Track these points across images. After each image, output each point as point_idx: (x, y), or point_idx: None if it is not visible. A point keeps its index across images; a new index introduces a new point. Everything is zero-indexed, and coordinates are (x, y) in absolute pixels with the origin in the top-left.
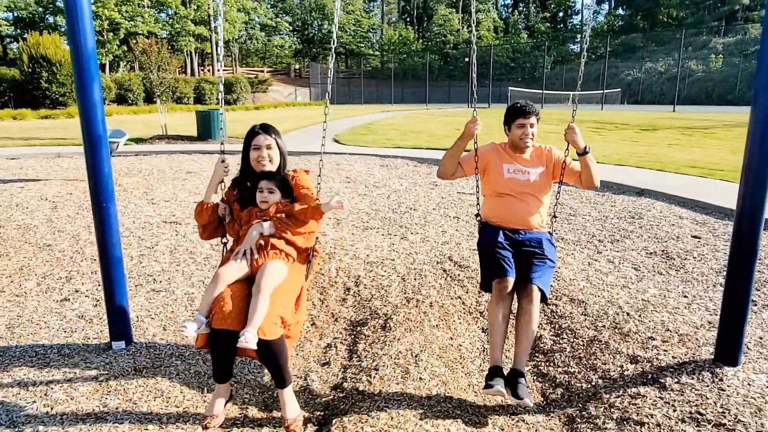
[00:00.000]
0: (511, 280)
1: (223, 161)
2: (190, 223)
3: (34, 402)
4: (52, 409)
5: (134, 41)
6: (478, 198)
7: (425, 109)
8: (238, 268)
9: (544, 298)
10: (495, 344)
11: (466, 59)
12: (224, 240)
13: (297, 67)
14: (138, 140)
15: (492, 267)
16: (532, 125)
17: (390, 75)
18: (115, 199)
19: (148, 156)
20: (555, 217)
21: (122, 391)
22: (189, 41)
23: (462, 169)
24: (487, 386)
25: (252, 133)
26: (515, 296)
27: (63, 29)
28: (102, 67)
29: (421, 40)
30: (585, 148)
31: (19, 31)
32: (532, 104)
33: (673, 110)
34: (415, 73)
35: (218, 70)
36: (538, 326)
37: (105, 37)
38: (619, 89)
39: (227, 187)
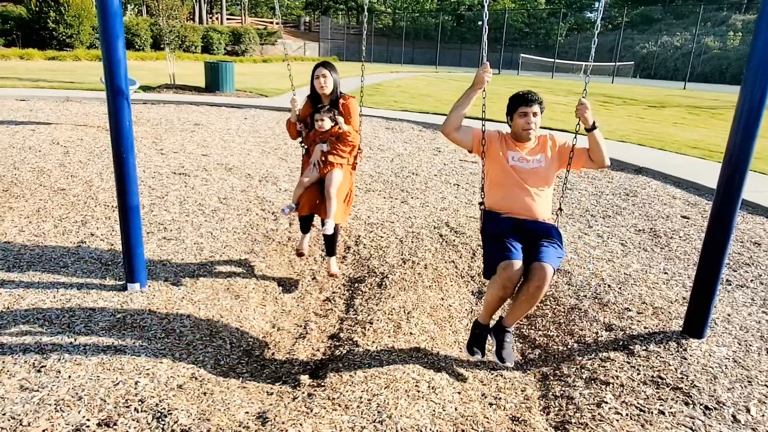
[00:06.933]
0: (517, 263)
1: (292, 99)
2: (199, 176)
3: (59, 333)
4: (75, 340)
5: None
6: (482, 185)
7: (435, 71)
8: (311, 176)
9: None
10: (486, 316)
11: (480, 22)
12: (303, 145)
13: (307, 20)
14: (146, 88)
15: (498, 251)
16: (535, 114)
17: (401, 34)
18: (134, 150)
19: (156, 105)
20: (561, 209)
21: (138, 328)
22: None
23: (466, 135)
24: (471, 351)
25: (315, 67)
26: (518, 284)
27: None
28: None
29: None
30: (593, 123)
31: None
32: (535, 93)
33: (684, 87)
34: (427, 34)
35: (277, 23)
36: None
37: None
38: (633, 62)
39: (303, 106)
